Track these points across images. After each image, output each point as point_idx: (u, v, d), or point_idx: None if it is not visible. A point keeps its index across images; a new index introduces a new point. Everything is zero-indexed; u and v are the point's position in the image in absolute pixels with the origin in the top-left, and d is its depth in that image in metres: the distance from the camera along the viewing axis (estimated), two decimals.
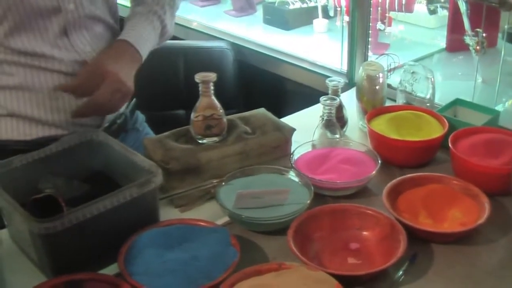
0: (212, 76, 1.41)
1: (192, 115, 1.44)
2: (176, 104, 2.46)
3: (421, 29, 2.54)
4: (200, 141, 1.45)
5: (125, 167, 1.32)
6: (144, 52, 1.52)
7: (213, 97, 1.43)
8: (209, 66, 2.33)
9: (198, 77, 1.40)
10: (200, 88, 1.42)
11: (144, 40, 1.52)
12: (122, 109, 1.64)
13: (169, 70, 2.45)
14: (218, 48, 2.49)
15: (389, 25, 2.36)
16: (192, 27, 2.79)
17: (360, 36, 2.03)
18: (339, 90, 1.65)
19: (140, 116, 1.78)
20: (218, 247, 1.17)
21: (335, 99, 1.54)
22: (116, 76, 1.40)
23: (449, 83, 2.08)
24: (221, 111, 1.44)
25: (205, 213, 1.34)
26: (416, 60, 1.98)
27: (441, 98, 1.79)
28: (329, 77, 1.80)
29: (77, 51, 1.46)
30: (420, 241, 1.24)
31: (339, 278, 1.06)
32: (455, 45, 2.23)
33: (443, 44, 2.33)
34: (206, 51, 2.50)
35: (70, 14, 1.43)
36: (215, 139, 1.44)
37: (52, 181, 1.32)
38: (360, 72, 1.69)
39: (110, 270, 1.16)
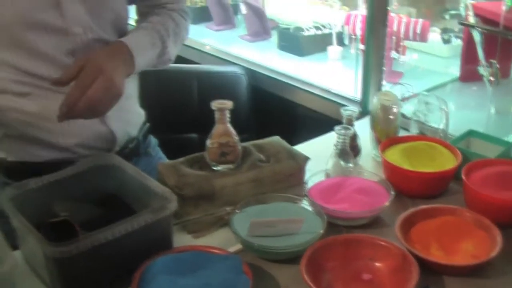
0: (229, 104, 1.42)
1: (208, 142, 1.44)
2: (189, 128, 2.46)
3: (435, 58, 2.55)
4: (214, 168, 1.45)
5: (139, 191, 1.33)
6: (139, 62, 1.44)
7: (229, 125, 1.43)
8: (223, 90, 2.37)
9: (214, 105, 1.41)
10: (216, 115, 1.42)
11: (142, 50, 1.47)
12: (135, 133, 1.64)
13: (183, 94, 2.46)
14: (232, 73, 2.51)
15: (403, 54, 2.37)
16: (207, 51, 2.82)
17: (374, 65, 2.04)
18: (353, 119, 1.66)
19: (153, 141, 1.78)
20: (231, 274, 1.17)
21: (349, 129, 1.54)
22: (109, 74, 1.32)
23: (463, 113, 2.08)
24: (236, 138, 1.44)
25: (218, 240, 1.35)
26: (430, 90, 2.00)
27: (454, 128, 1.79)
28: (343, 105, 1.82)
29: None
30: (432, 273, 1.23)
31: None
32: (469, 75, 2.24)
33: (456, 72, 2.33)
34: (220, 76, 2.52)
35: (78, 38, 1.42)
36: (230, 166, 1.45)
37: (66, 204, 1.33)
38: (375, 102, 1.69)
39: None
